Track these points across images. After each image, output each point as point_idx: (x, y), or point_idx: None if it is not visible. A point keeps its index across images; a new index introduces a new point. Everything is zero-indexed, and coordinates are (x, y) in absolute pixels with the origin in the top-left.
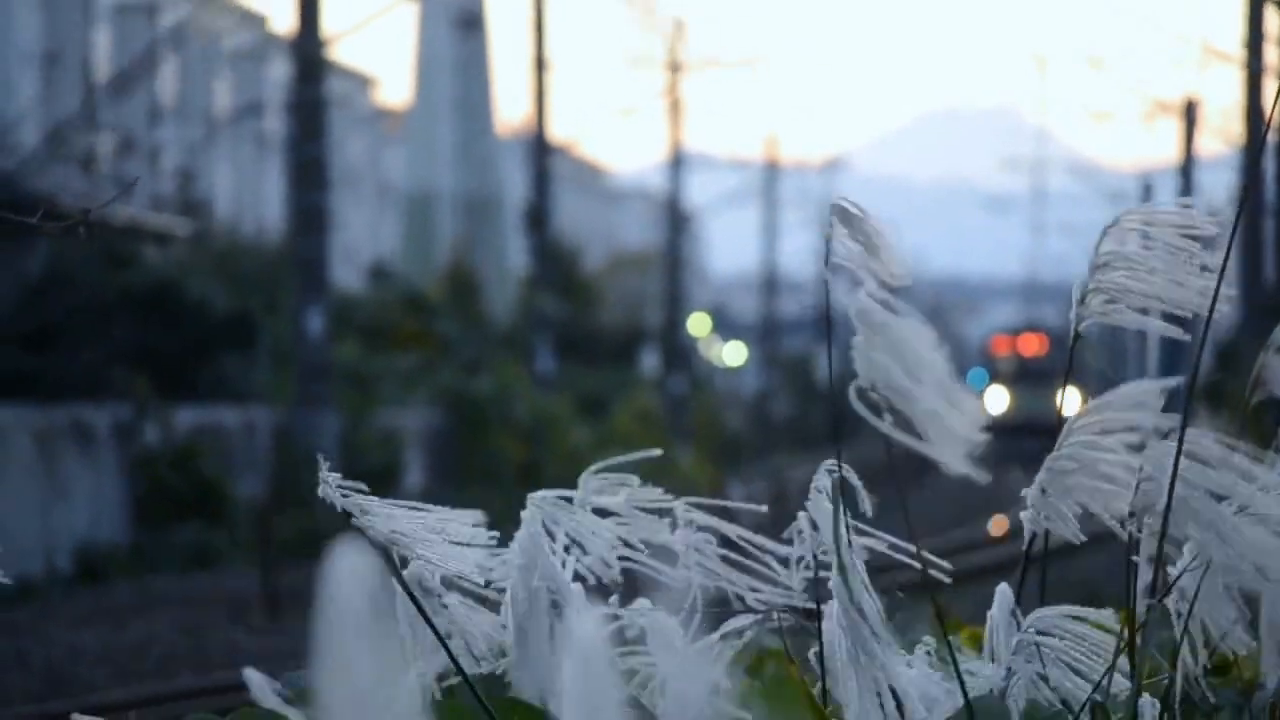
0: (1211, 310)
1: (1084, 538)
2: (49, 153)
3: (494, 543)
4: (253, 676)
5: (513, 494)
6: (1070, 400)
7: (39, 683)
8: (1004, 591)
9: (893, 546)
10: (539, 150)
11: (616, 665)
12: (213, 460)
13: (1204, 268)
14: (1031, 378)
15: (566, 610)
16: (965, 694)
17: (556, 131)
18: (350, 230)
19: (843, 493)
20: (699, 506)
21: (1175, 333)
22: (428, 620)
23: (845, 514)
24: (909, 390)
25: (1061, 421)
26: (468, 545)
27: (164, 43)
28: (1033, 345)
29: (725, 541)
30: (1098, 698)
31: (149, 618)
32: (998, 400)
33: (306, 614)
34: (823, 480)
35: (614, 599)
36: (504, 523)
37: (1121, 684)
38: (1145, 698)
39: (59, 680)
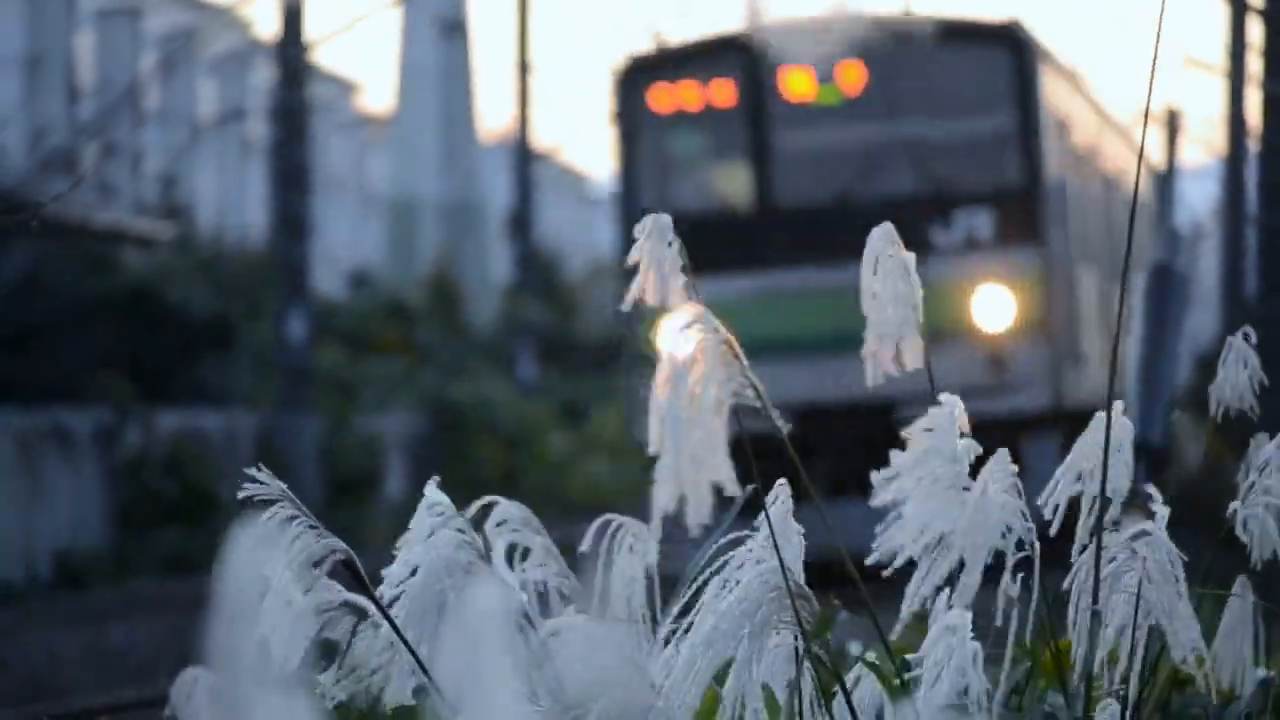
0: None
1: None
2: (31, 157)
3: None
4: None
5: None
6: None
7: (19, 686)
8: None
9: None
10: (522, 157)
11: (513, 642)
12: (197, 464)
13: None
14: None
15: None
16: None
17: (539, 138)
18: (333, 236)
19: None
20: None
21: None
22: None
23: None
24: (681, 434)
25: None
26: None
27: (147, 47)
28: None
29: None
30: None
31: (130, 622)
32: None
33: None
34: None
35: (565, 608)
36: (482, 529)
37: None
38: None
39: (39, 684)
